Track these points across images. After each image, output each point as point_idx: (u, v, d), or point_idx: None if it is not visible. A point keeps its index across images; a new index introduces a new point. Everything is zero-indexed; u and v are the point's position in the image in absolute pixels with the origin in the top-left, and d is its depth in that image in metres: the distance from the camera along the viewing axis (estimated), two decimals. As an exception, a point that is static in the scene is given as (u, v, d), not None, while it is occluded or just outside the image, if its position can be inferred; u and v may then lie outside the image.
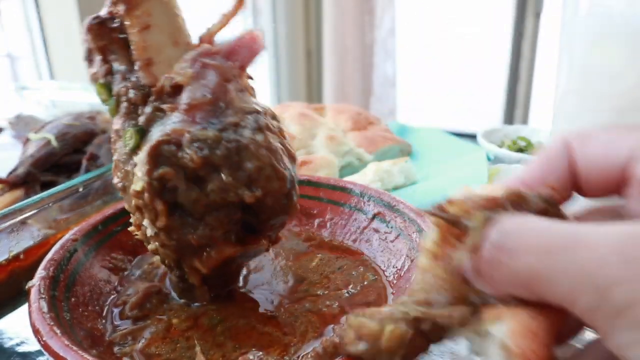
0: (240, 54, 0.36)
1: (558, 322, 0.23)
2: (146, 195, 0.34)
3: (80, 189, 0.54)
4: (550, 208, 0.24)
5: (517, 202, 0.24)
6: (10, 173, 0.63)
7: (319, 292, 0.42)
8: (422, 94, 3.69)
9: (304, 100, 2.16)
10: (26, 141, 0.70)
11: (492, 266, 0.22)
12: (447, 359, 0.41)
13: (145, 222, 0.36)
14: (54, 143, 0.66)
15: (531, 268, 0.21)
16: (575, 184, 0.27)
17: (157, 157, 0.33)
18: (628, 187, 0.24)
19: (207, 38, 0.38)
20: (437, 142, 0.90)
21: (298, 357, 0.34)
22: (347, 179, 0.63)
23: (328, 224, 0.51)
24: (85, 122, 0.72)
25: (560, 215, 0.25)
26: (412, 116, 3.08)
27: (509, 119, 2.10)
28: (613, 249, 0.19)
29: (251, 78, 0.39)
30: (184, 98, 0.35)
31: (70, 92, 0.85)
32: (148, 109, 0.36)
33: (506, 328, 0.22)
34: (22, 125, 0.88)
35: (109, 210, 0.47)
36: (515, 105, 2.08)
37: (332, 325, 0.37)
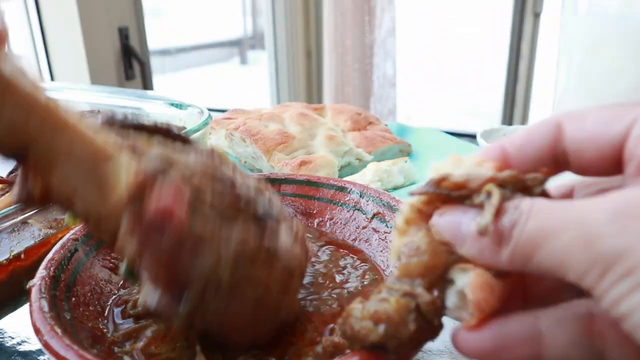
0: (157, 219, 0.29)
1: (515, 287, 0.26)
2: None
3: (81, 189, 0.54)
4: (542, 189, 0.25)
5: (517, 183, 0.25)
6: (11, 173, 0.63)
7: (319, 292, 0.42)
8: (422, 94, 3.70)
9: (304, 100, 2.16)
10: (26, 141, 0.69)
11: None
12: (447, 359, 0.41)
13: None
14: (55, 143, 0.66)
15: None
16: (562, 162, 0.27)
17: None
18: (624, 166, 0.24)
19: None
20: (436, 143, 0.90)
21: (298, 357, 0.34)
22: (347, 179, 0.63)
23: (328, 224, 0.51)
24: (85, 122, 0.71)
25: (545, 194, 0.25)
26: (412, 116, 3.08)
27: (508, 119, 2.10)
28: (603, 209, 0.20)
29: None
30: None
31: (70, 92, 0.85)
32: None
33: (468, 279, 0.24)
34: (22, 125, 0.87)
35: (109, 210, 0.47)
36: (514, 106, 2.08)
37: (332, 325, 0.37)
